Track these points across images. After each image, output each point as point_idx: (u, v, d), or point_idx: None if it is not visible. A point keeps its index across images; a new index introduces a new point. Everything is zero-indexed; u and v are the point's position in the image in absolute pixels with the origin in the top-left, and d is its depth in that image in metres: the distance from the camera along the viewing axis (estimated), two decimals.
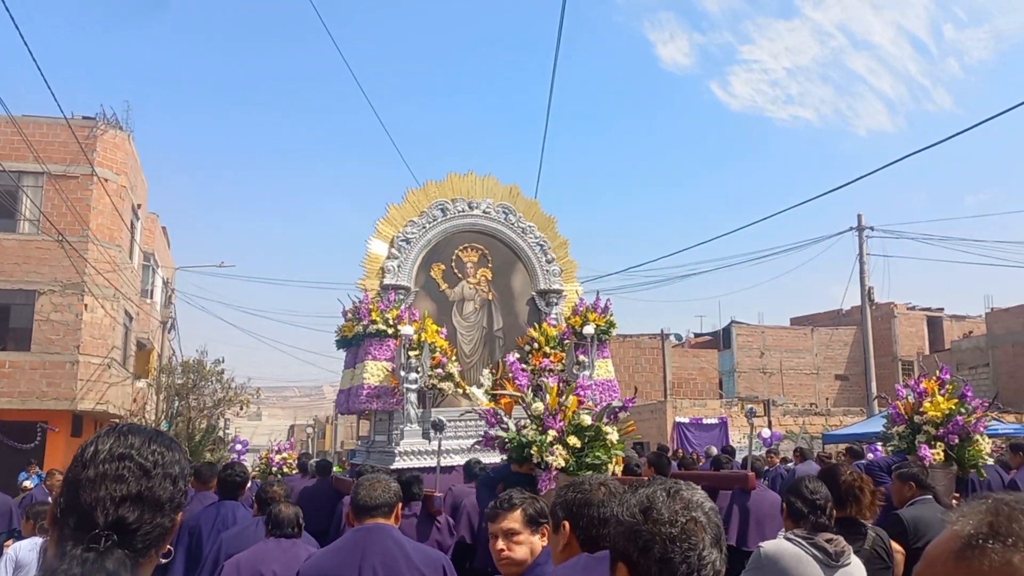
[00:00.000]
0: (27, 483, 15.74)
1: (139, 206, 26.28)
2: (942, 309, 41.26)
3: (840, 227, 27.19)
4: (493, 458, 8.13)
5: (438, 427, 8.17)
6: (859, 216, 26.67)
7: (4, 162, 19.94)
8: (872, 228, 26.90)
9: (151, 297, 28.55)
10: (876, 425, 19.32)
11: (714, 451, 14.74)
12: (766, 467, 13.37)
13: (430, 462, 9.40)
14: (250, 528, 5.15)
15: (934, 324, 40.42)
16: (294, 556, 4.12)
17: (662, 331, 35.26)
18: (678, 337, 37.68)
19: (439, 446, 8.39)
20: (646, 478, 7.37)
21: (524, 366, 10.84)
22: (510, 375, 8.48)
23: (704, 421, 28.14)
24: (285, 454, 17.06)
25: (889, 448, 8.15)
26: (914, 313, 40.00)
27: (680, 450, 21.79)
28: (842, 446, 25.19)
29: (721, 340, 38.59)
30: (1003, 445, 11.22)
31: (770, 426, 26.96)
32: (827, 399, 36.37)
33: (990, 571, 0.91)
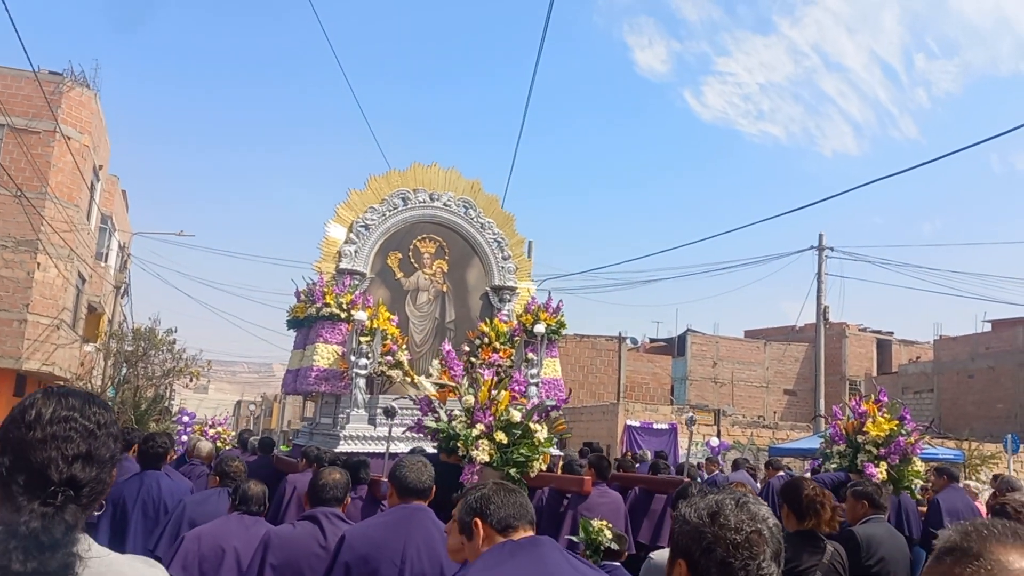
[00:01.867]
0: None
1: (101, 167, 25.82)
2: (892, 333, 42.14)
3: (799, 244, 27.70)
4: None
5: (389, 413, 8.21)
6: (820, 236, 27.14)
7: None
8: (832, 249, 27.42)
9: (106, 260, 28.08)
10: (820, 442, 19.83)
11: (649, 456, 14.97)
12: (703, 474, 13.59)
13: (374, 447, 9.48)
14: (213, 497, 5.21)
15: (883, 347, 41.27)
16: (255, 534, 4.16)
17: (619, 334, 35.56)
18: (634, 341, 38.01)
19: (389, 432, 8.44)
20: (585, 478, 7.45)
21: (473, 359, 11.01)
22: (446, 365, 8.54)
23: (655, 426, 28.45)
24: (219, 429, 17.05)
25: (831, 466, 8.41)
26: (865, 335, 40.80)
27: (629, 452, 22.03)
28: (786, 459, 25.73)
29: (676, 347, 39.01)
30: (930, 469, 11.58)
31: (719, 435, 27.34)
32: (775, 412, 36.98)
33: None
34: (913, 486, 8.16)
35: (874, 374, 39.50)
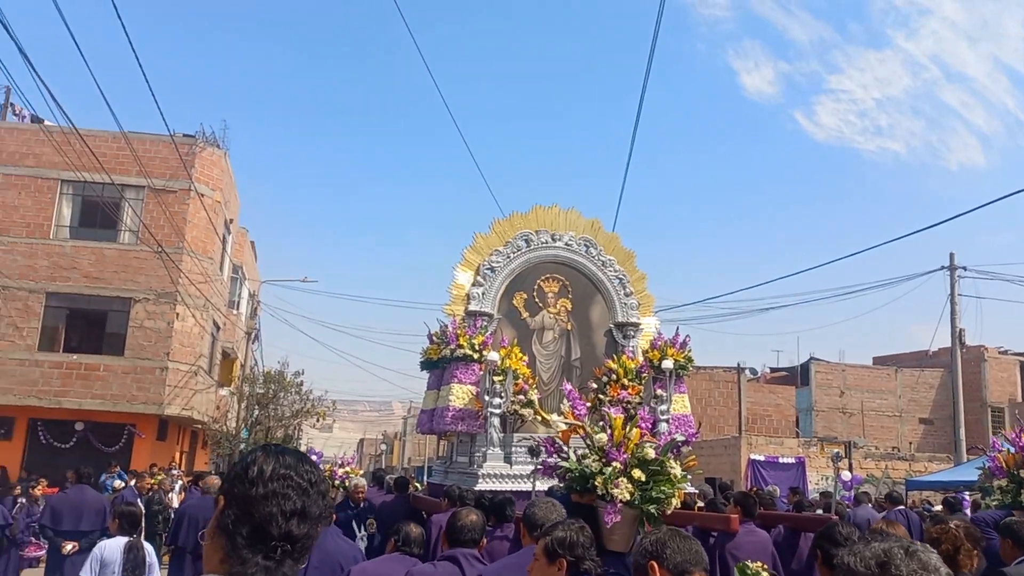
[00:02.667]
0: (117, 483, 16.44)
1: (231, 221, 27.30)
2: None
3: (927, 264, 26.46)
4: None
5: (534, 452, 8.33)
6: (951, 255, 25.87)
7: (111, 175, 21.00)
8: (965, 268, 26.06)
9: (237, 308, 29.57)
10: (965, 473, 18.58)
11: (778, 492, 14.44)
12: (852, 512, 13.02)
13: (511, 485, 9.68)
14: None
15: None
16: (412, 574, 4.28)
17: (738, 364, 34.66)
18: (753, 372, 36.94)
19: (534, 470, 8.57)
20: (731, 515, 7.26)
21: (601, 395, 11.01)
22: (568, 404, 8.54)
23: (781, 460, 27.49)
24: (348, 468, 17.56)
25: (992, 502, 7.94)
26: (1006, 358, 38.33)
27: (755, 488, 21.37)
28: (926, 493, 24.30)
29: (799, 377, 37.67)
30: None
31: (851, 469, 26.18)
32: (910, 443, 35.10)
33: None
34: None
35: (1019, 399, 37.00)
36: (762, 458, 27.26)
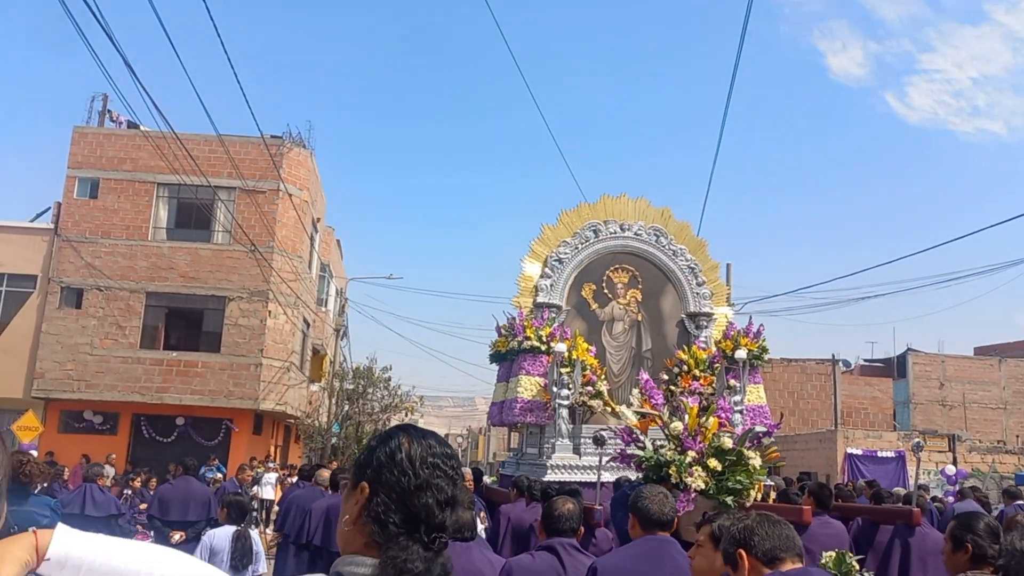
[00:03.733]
0: (218, 475, 17.18)
1: (318, 220, 28.08)
2: None
3: None
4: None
5: (599, 442, 8.36)
6: None
7: (206, 177, 21.92)
8: None
9: (326, 306, 30.38)
10: None
11: (901, 491, 13.92)
12: (932, 506, 12.50)
13: (579, 476, 9.70)
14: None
15: None
16: (469, 559, 4.29)
17: (833, 356, 33.58)
18: (846, 363, 35.74)
19: (600, 461, 8.58)
20: (804, 507, 7.18)
21: (672, 387, 10.88)
22: (645, 395, 8.50)
23: (879, 454, 26.58)
24: None
25: None
26: None
27: (851, 482, 20.74)
28: None
29: (895, 368, 36.26)
30: None
31: (955, 463, 25.08)
32: (1017, 436, 33.33)
33: None
34: None
35: None
36: (860, 452, 26.43)
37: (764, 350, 10.82)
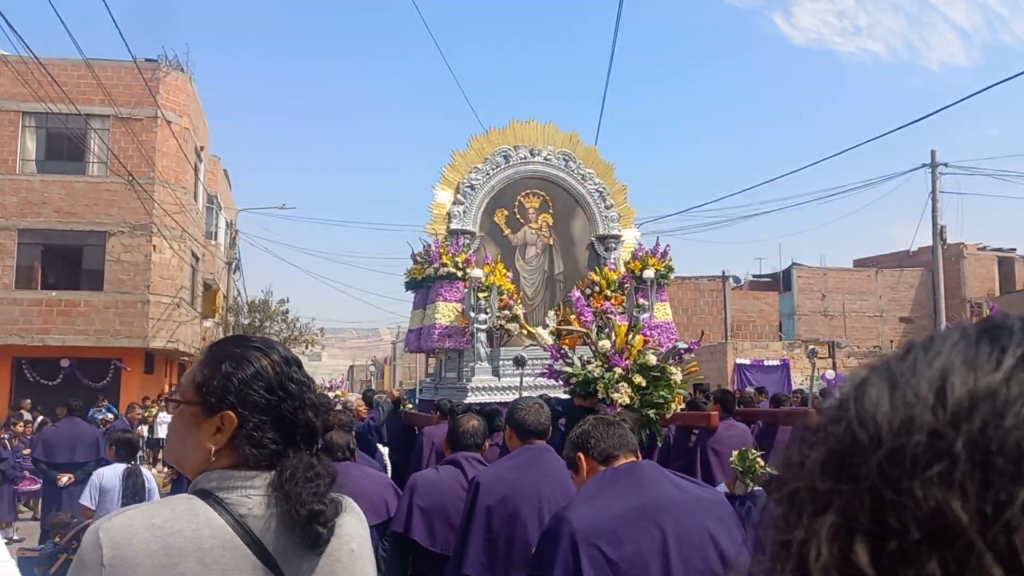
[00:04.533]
0: (108, 415, 16.50)
1: (202, 148, 26.70)
2: (1014, 249, 39.85)
3: (908, 165, 26.26)
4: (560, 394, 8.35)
5: (520, 363, 8.48)
6: (932, 152, 25.70)
7: (75, 105, 20.36)
8: (946, 165, 25.94)
9: (215, 239, 29.20)
10: None
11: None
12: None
13: (499, 397, 9.93)
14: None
15: (1006, 265, 39.10)
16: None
17: (723, 273, 34.83)
18: (736, 279, 37.20)
19: (520, 381, 8.68)
20: (712, 413, 7.51)
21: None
22: (576, 312, 8.66)
23: (766, 363, 27.96)
24: (338, 391, 17.99)
25: None
26: (985, 254, 38.73)
27: (738, 390, 21.77)
28: None
29: (781, 282, 37.99)
30: None
31: (834, 368, 26.67)
32: (891, 342, 35.72)
33: None
34: None
35: (997, 294, 37.60)
36: (748, 362, 27.71)
37: (670, 269, 11.15)
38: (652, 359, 6.68)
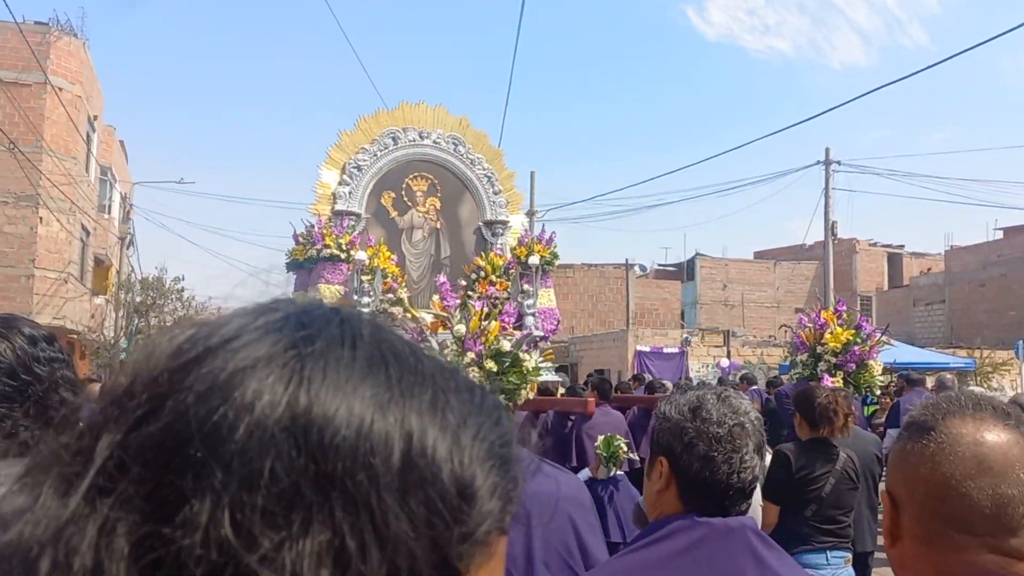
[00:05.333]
0: None
1: (95, 117, 25.64)
2: (903, 246, 41.88)
3: (807, 161, 27.29)
4: None
5: None
6: (827, 150, 26.76)
7: None
8: (839, 162, 27.05)
9: (109, 212, 28.10)
10: None
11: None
12: None
13: None
14: None
15: (894, 260, 41.08)
16: None
17: (626, 261, 35.51)
18: (643, 268, 37.98)
19: None
20: (588, 399, 7.72)
21: (471, 292, 11.15)
22: (438, 299, 8.75)
23: (664, 350, 28.60)
24: None
25: (794, 375, 8.62)
26: (875, 249, 40.58)
27: (636, 375, 22.26)
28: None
29: (685, 272, 38.97)
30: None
31: (729, 356, 27.52)
32: (786, 331, 37.08)
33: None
34: (875, 389, 8.57)
35: (885, 288, 39.44)
36: (648, 349, 28.32)
37: (555, 256, 11.31)
38: (506, 345, 6.81)
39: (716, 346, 29.05)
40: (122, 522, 0.42)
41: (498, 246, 11.70)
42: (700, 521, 1.59)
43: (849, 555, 4.35)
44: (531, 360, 6.91)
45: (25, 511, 0.44)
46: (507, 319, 6.95)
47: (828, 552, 4.20)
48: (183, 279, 25.50)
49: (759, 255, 43.00)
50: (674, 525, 1.60)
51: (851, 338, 8.36)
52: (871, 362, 8.39)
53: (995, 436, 1.07)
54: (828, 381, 7.93)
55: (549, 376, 9.20)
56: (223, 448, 0.42)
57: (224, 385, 0.45)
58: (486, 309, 7.19)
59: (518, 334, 7.11)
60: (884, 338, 8.85)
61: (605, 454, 6.11)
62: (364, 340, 0.51)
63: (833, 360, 8.25)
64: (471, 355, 6.69)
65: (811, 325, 8.67)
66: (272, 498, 0.42)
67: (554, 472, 2.75)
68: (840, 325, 8.46)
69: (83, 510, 0.43)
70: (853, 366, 8.25)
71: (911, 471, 1.11)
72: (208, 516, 0.41)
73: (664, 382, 12.05)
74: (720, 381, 13.76)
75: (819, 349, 8.38)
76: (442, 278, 9.35)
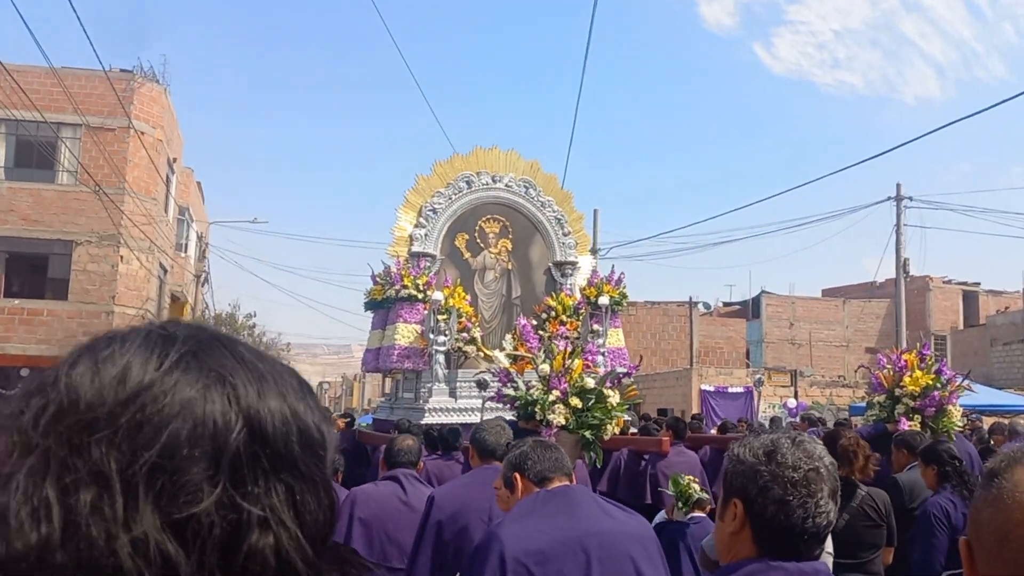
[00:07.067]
0: None
1: (175, 160, 26.66)
2: (979, 283, 40.58)
3: (878, 197, 26.72)
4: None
5: (482, 386, 8.70)
6: (898, 185, 26.24)
7: (43, 113, 20.31)
8: (911, 198, 26.48)
9: (185, 251, 29.08)
10: None
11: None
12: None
13: (456, 418, 10.16)
14: None
15: (970, 298, 39.79)
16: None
17: (690, 299, 35.16)
18: (706, 306, 37.55)
19: (483, 403, 8.90)
20: (663, 438, 7.72)
21: (541, 332, 11.26)
22: (522, 339, 8.88)
23: (729, 390, 28.16)
24: None
25: (870, 417, 8.43)
26: (950, 287, 39.41)
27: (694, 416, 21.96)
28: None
29: (751, 310, 38.39)
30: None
31: (796, 396, 26.94)
32: (856, 372, 36.16)
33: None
34: (952, 433, 8.18)
35: (960, 327, 38.21)
36: (712, 388, 27.92)
37: (624, 296, 11.42)
38: (590, 382, 6.89)
39: (783, 386, 28.48)
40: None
41: (567, 286, 11.85)
42: (775, 565, 1.60)
43: None
44: (614, 397, 6.98)
45: None
46: (590, 358, 7.06)
47: None
48: (255, 315, 26.20)
49: (827, 292, 42.16)
50: (749, 568, 1.61)
51: (931, 382, 8.17)
52: (950, 407, 8.19)
53: None
54: (905, 424, 7.78)
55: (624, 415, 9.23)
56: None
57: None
58: (569, 348, 7.30)
59: (601, 371, 7.21)
60: (965, 383, 8.61)
61: (675, 493, 6.13)
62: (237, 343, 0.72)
63: (912, 404, 8.08)
64: (556, 393, 6.79)
65: (890, 366, 8.49)
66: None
67: (617, 512, 2.81)
68: (921, 368, 8.28)
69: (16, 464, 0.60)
70: (932, 410, 8.06)
71: (976, 516, 1.14)
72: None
73: (735, 423, 11.89)
74: (772, 422, 13.49)
75: (897, 392, 8.21)
76: (522, 320, 9.54)
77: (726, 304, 41.07)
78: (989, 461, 1.20)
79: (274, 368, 0.70)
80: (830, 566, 3.85)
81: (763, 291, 38.17)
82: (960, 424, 8.79)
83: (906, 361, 8.37)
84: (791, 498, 1.61)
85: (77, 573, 0.56)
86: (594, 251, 28.26)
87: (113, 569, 0.57)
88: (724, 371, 29.90)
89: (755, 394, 27.39)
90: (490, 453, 4.10)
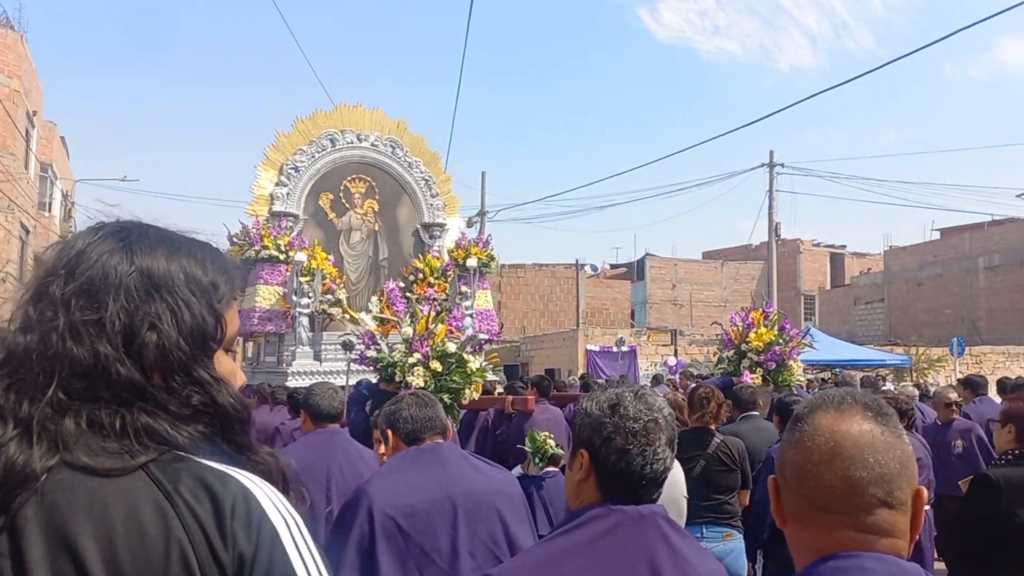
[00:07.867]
0: None
1: (35, 113, 25.10)
2: (845, 246, 42.84)
3: (754, 163, 27.79)
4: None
5: (348, 347, 8.61)
6: (771, 152, 27.34)
7: None
8: (783, 165, 27.65)
9: (49, 211, 27.52)
10: None
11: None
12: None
13: (321, 380, 9.89)
14: None
15: (836, 260, 42.01)
16: None
17: (576, 261, 35.78)
18: (594, 268, 38.28)
19: (348, 366, 8.83)
20: (528, 397, 7.89)
21: (409, 294, 11.24)
22: (389, 301, 8.85)
23: (613, 349, 28.89)
24: None
25: (718, 371, 8.93)
26: (818, 249, 41.45)
27: (587, 374, 22.46)
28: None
29: (635, 272, 39.37)
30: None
31: (676, 355, 27.92)
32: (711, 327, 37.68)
33: None
34: (791, 384, 8.76)
35: (827, 287, 40.32)
36: (597, 348, 28.58)
37: (492, 258, 11.46)
38: (451, 347, 6.98)
39: (664, 345, 29.43)
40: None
41: (435, 248, 11.80)
42: (615, 509, 1.71)
43: (730, 531, 4.84)
44: (475, 362, 7.10)
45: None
46: (454, 323, 7.15)
47: (704, 527, 4.71)
48: None
49: (707, 255, 43.63)
50: (592, 513, 1.72)
51: (773, 338, 8.68)
52: (791, 362, 8.73)
53: (851, 426, 1.24)
54: (748, 378, 8.25)
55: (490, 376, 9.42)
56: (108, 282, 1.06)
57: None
58: (433, 313, 7.35)
59: (463, 336, 7.32)
60: (805, 341, 9.18)
61: (532, 449, 6.34)
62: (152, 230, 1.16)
63: (755, 358, 8.58)
64: (417, 355, 6.85)
65: (740, 324, 8.96)
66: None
67: (485, 467, 2.91)
68: (765, 326, 8.79)
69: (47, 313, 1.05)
70: (773, 364, 8.59)
71: (782, 456, 1.30)
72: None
73: (587, 380, 12.27)
74: (654, 379, 14.06)
75: (743, 347, 8.71)
76: (390, 283, 9.48)
77: (613, 266, 41.98)
78: (796, 407, 1.36)
79: (175, 241, 1.13)
80: (684, 507, 4.13)
81: (647, 254, 39.20)
82: (802, 378, 9.37)
83: (752, 319, 8.87)
84: (631, 447, 1.71)
85: (46, 354, 0.99)
86: (482, 214, 28.33)
87: (61, 348, 1.00)
88: (610, 331, 30.64)
89: (637, 352, 28.24)
90: (323, 416, 4.11)
